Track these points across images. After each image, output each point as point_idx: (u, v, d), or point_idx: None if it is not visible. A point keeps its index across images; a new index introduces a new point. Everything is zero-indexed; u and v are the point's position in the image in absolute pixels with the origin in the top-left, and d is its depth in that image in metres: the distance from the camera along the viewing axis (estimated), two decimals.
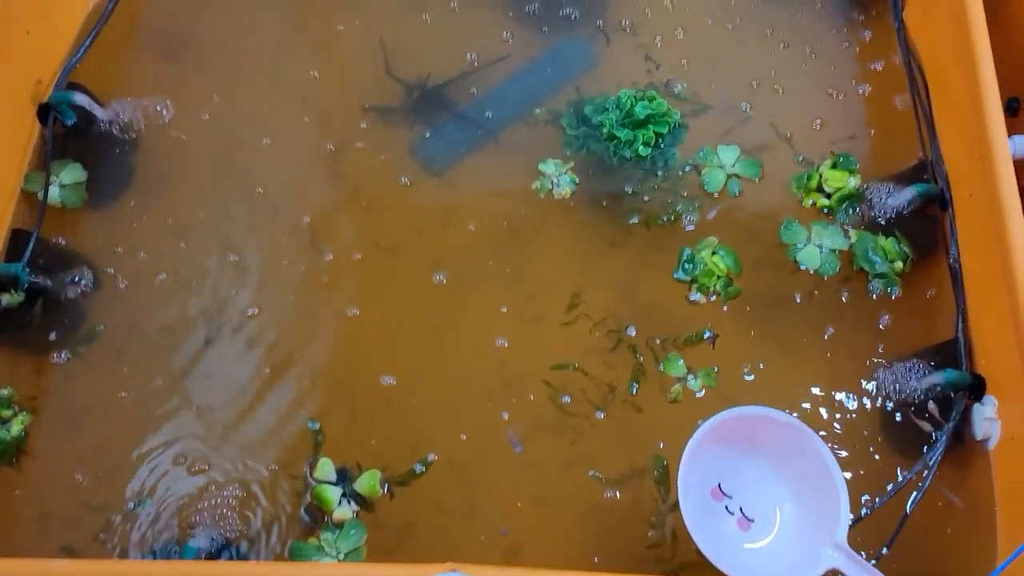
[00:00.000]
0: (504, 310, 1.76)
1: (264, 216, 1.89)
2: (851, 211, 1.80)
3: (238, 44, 2.08)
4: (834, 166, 1.83)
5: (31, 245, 1.74)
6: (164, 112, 1.97)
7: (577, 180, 1.88)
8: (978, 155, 1.64)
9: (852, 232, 1.79)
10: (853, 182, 1.81)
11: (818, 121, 1.96)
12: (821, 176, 1.83)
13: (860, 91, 1.99)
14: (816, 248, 1.77)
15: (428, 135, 1.97)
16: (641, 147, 1.86)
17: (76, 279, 1.78)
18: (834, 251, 1.77)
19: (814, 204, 1.83)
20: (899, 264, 1.76)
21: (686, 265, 1.75)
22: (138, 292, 1.80)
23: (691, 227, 1.82)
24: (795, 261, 1.77)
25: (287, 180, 1.93)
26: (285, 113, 2.00)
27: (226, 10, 2.13)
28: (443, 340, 1.75)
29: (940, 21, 1.86)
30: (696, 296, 1.75)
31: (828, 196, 1.83)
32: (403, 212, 1.89)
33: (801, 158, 1.92)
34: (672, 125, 1.89)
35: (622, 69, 2.03)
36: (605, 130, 1.88)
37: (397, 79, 2.05)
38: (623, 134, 1.86)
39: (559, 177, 1.87)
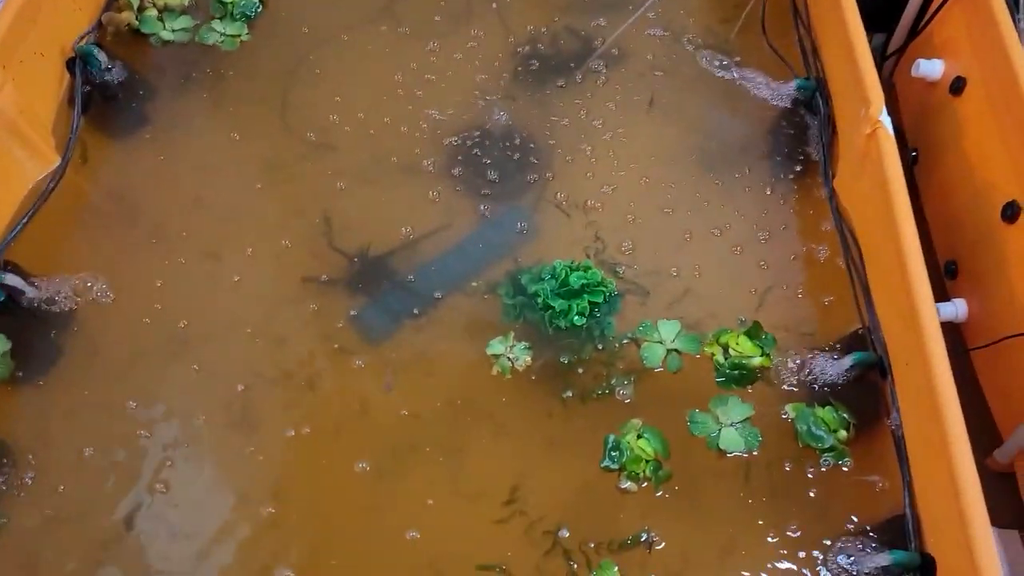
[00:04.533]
0: (430, 503, 1.68)
1: (197, 394, 1.83)
2: (741, 380, 1.76)
3: (181, 220, 2.09)
4: (750, 336, 1.81)
5: None
6: (99, 289, 1.96)
7: (530, 345, 1.85)
8: (910, 323, 1.62)
9: (790, 408, 1.74)
10: (757, 361, 1.78)
11: (760, 295, 1.94)
12: (736, 338, 1.80)
13: (800, 261, 1.99)
14: (730, 429, 1.71)
15: (368, 305, 1.96)
16: (576, 317, 1.84)
17: None
18: (747, 420, 1.71)
19: (712, 355, 1.80)
20: (843, 432, 1.71)
21: (612, 453, 1.69)
22: (53, 476, 1.73)
23: (628, 401, 1.78)
24: (720, 449, 1.70)
25: (223, 355, 1.89)
26: (224, 287, 1.99)
27: (173, 186, 2.16)
28: (363, 535, 1.66)
29: (866, 190, 1.89)
30: (627, 484, 1.67)
31: (727, 356, 1.79)
32: (338, 388, 1.84)
33: (743, 318, 1.90)
34: (607, 295, 1.88)
35: (562, 240, 2.04)
36: (540, 300, 1.87)
37: (339, 251, 2.05)
38: (557, 304, 1.85)
39: (512, 349, 1.84)
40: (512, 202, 2.11)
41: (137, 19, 2.35)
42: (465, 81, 2.34)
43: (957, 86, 2.10)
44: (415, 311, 1.95)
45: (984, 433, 1.95)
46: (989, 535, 1.34)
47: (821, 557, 1.60)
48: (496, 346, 1.85)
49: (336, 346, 1.90)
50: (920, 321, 1.56)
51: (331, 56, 2.40)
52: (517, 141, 2.21)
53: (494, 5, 2.52)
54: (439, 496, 1.68)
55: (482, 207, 2.10)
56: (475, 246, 2.05)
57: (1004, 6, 2.00)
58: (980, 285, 1.97)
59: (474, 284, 1.97)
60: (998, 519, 1.86)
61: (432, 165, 2.17)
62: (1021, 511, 1.81)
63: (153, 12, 2.38)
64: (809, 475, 1.69)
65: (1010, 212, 1.84)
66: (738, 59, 2.36)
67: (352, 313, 1.95)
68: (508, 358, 1.84)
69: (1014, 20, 2.00)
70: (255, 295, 1.98)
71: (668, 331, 1.85)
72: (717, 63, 2.36)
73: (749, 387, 1.77)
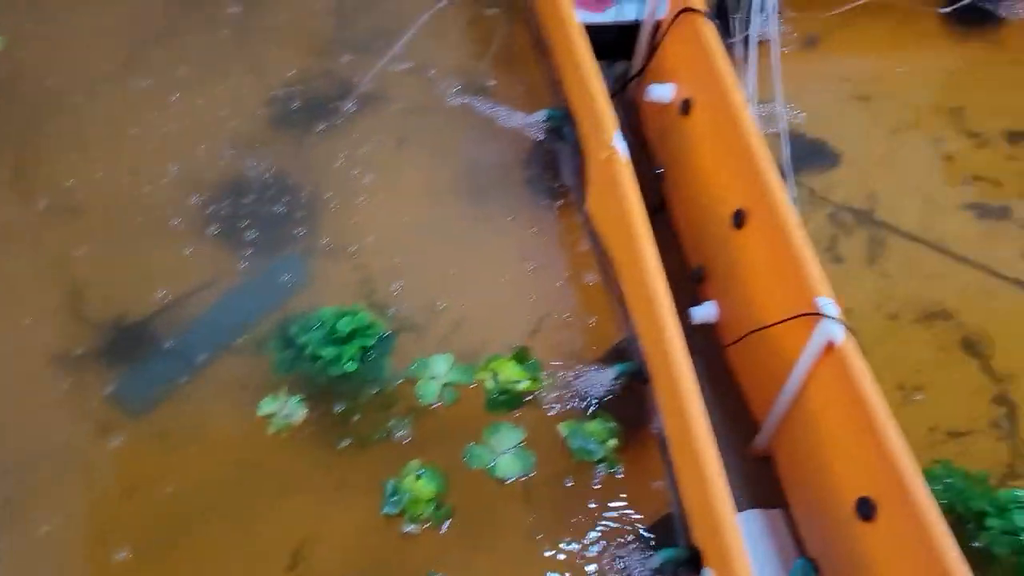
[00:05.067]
0: None
1: None
2: (508, 405, 1.82)
3: None
4: (519, 362, 1.87)
5: None
6: None
7: (304, 398, 1.80)
8: (656, 330, 1.73)
9: (561, 426, 1.80)
10: (523, 385, 1.84)
11: (530, 320, 2.00)
12: (504, 364, 1.86)
13: (565, 283, 2.07)
14: (506, 455, 1.75)
15: (128, 377, 1.84)
16: (348, 363, 1.82)
17: None
18: (520, 444, 1.77)
19: (481, 382, 1.85)
20: (612, 441, 1.79)
21: (392, 498, 1.68)
22: None
23: (407, 442, 1.78)
24: (499, 477, 1.74)
25: None
26: None
27: None
28: None
29: (611, 210, 2.01)
30: (410, 527, 1.66)
31: (496, 382, 1.85)
32: (98, 470, 1.71)
33: (514, 344, 1.95)
34: (379, 337, 1.87)
35: (333, 286, 2.02)
36: (310, 350, 1.84)
37: (90, 322, 1.92)
38: (327, 352, 1.82)
39: (286, 405, 1.78)
40: (276, 252, 2.06)
41: None
42: (219, 132, 2.27)
43: (685, 107, 2.28)
44: (181, 377, 1.85)
45: (747, 423, 2.10)
46: (732, 518, 1.43)
47: (604, 564, 1.66)
48: (268, 405, 1.79)
49: (95, 425, 1.77)
50: (663, 328, 1.67)
51: (68, 115, 2.26)
52: (278, 189, 2.17)
53: (245, 52, 2.47)
54: (213, 573, 1.60)
55: (244, 262, 2.04)
56: (240, 303, 1.98)
57: (715, 32, 2.20)
58: (724, 287, 2.13)
59: (241, 341, 1.91)
60: (762, 500, 2.01)
61: (186, 222, 2.09)
62: (781, 491, 1.96)
63: None
64: (587, 487, 1.76)
65: (738, 218, 2.02)
66: (490, 93, 2.45)
67: (111, 387, 1.82)
68: (283, 415, 1.79)
69: (725, 44, 2.20)
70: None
71: (440, 366, 1.87)
72: (470, 98, 2.43)
73: (517, 411, 1.82)
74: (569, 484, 1.75)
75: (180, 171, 2.17)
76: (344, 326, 1.83)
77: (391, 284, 2.03)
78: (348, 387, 1.84)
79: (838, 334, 1.67)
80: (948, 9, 2.90)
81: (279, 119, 2.33)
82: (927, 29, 2.93)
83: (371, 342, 1.85)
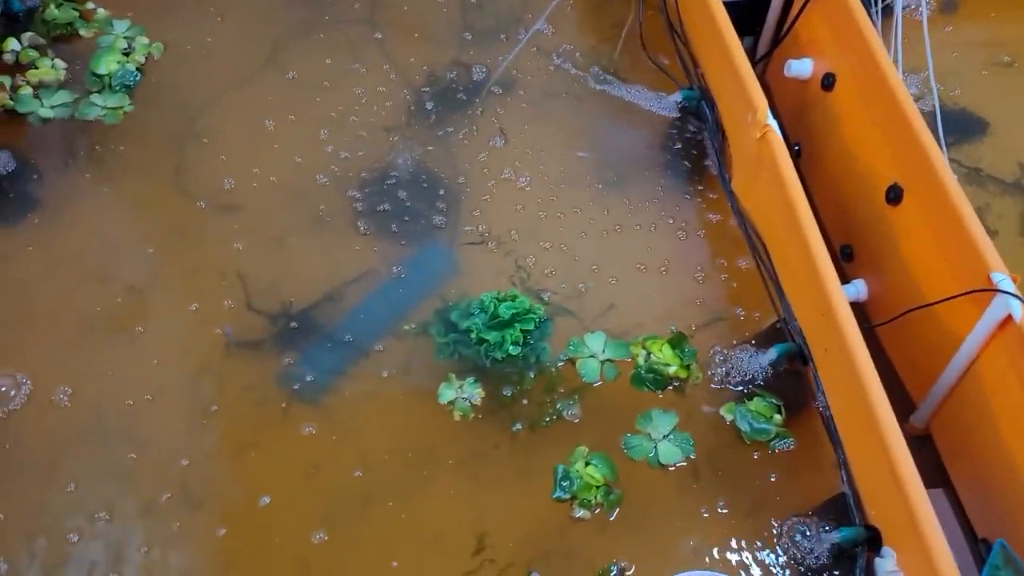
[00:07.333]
0: (395, 565, 1.66)
1: (136, 480, 1.77)
2: (653, 384, 1.85)
3: (86, 299, 2.01)
4: (674, 346, 1.89)
5: None
6: (18, 388, 1.86)
7: (477, 379, 1.87)
8: (823, 310, 1.72)
9: (724, 410, 1.82)
10: (672, 369, 1.87)
11: (679, 301, 2.02)
12: (659, 345, 1.89)
13: (712, 264, 2.08)
14: (664, 442, 1.78)
15: (300, 363, 1.93)
16: (511, 347, 1.87)
17: None
18: (675, 428, 1.79)
19: (635, 357, 1.89)
20: (777, 416, 1.80)
21: (562, 483, 1.73)
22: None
23: (576, 421, 1.82)
24: (663, 464, 1.77)
25: (155, 436, 1.83)
26: (143, 366, 1.92)
27: (70, 263, 2.07)
28: None
29: (763, 190, 2.00)
30: (580, 512, 1.71)
31: (647, 360, 1.88)
32: (283, 455, 1.80)
33: (673, 327, 1.97)
34: (538, 321, 1.92)
35: (484, 274, 2.07)
36: (473, 335, 1.90)
37: (259, 311, 2.02)
38: (491, 336, 1.88)
39: (462, 389, 1.85)
40: (428, 240, 2.13)
41: (11, 98, 2.25)
42: (364, 125, 2.35)
43: (827, 82, 2.25)
44: (354, 363, 1.93)
45: (899, 401, 2.08)
46: (924, 497, 1.44)
47: (783, 543, 1.68)
48: (447, 392, 1.86)
49: (274, 410, 1.86)
50: (833, 308, 1.67)
51: (219, 116, 2.36)
52: (422, 181, 2.24)
53: (377, 46, 2.54)
54: (403, 556, 1.67)
55: (395, 252, 2.11)
56: (397, 292, 2.05)
57: (859, 4, 2.16)
58: (876, 265, 2.10)
59: (405, 329, 1.98)
60: (924, 480, 1.99)
61: (341, 212, 2.17)
62: (941, 470, 1.94)
63: (28, 90, 2.28)
64: (753, 467, 1.77)
65: (893, 194, 1.98)
66: (623, 76, 2.46)
67: (284, 374, 1.92)
68: (463, 399, 1.85)
69: (870, 15, 2.15)
70: (178, 370, 1.92)
71: (596, 342, 1.92)
72: (605, 82, 2.45)
73: (661, 392, 1.85)
74: (733, 462, 1.77)
75: (335, 164, 2.25)
76: (506, 310, 1.88)
77: (543, 270, 2.07)
78: (512, 371, 1.89)
79: (1016, 309, 1.63)
80: None
81: (418, 110, 2.39)
82: None
83: (531, 326, 1.90)
